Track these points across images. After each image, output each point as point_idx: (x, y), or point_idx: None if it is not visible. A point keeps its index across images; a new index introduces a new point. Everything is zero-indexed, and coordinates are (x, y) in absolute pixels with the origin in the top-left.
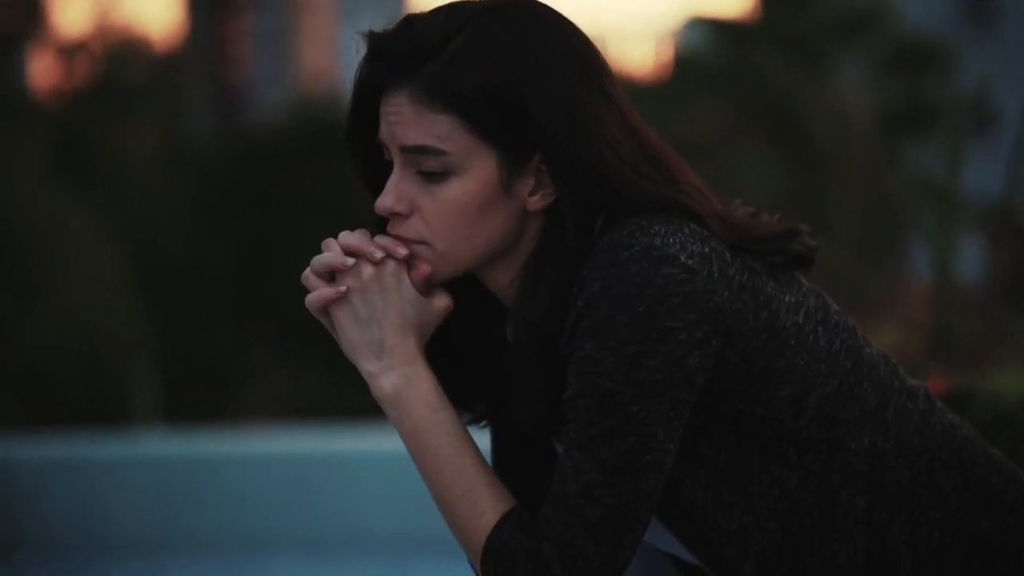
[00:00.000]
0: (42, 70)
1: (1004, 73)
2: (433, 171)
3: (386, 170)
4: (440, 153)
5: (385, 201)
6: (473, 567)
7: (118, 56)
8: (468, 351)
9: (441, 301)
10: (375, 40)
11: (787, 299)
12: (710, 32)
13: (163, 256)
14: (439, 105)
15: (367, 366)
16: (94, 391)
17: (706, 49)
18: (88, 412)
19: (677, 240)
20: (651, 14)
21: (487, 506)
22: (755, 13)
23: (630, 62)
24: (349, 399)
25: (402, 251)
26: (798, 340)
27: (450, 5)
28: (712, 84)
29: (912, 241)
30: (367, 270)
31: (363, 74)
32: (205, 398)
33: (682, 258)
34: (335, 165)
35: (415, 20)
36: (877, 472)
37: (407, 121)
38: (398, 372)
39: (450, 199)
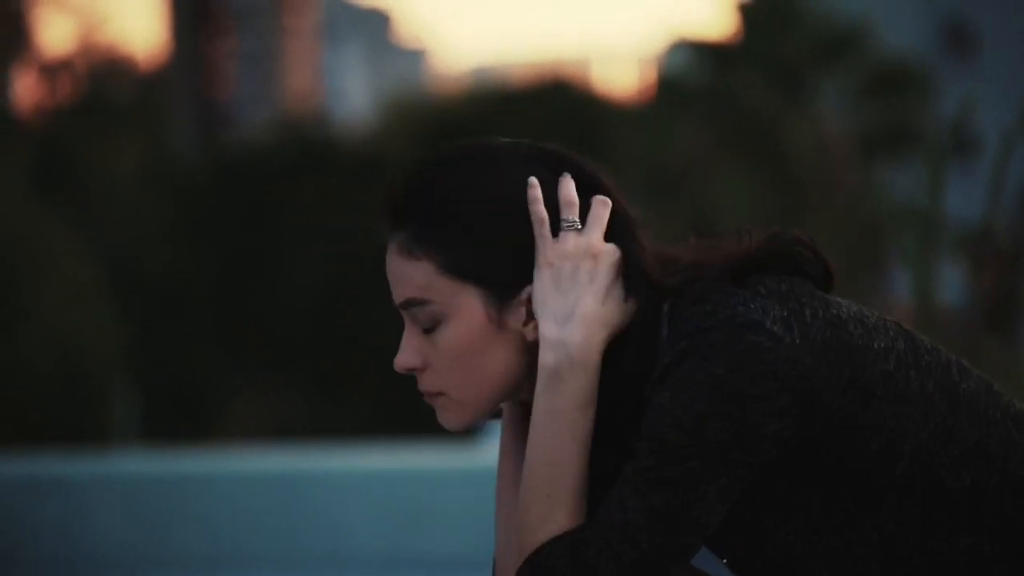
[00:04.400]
0: (26, 88)
1: (983, 97)
2: (425, 324)
3: None
4: (424, 302)
5: (400, 360)
6: (494, 570)
7: (102, 75)
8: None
9: (611, 255)
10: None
11: (876, 345)
12: (694, 55)
13: (145, 274)
14: (414, 254)
15: (548, 331)
16: (74, 409)
17: (689, 72)
18: (68, 430)
19: (759, 304)
20: (638, 38)
21: (563, 516)
22: (738, 36)
23: (614, 84)
24: (329, 419)
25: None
26: (886, 389)
27: (413, 168)
28: (694, 106)
29: (892, 264)
30: (573, 251)
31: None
32: (185, 417)
33: (767, 324)
34: (318, 184)
35: (392, 184)
36: (981, 508)
37: (395, 277)
38: (569, 351)
39: (447, 347)
